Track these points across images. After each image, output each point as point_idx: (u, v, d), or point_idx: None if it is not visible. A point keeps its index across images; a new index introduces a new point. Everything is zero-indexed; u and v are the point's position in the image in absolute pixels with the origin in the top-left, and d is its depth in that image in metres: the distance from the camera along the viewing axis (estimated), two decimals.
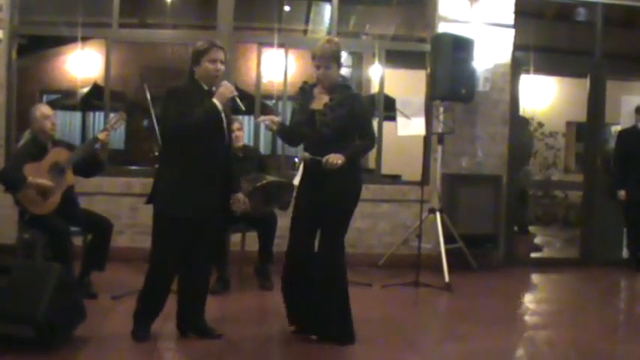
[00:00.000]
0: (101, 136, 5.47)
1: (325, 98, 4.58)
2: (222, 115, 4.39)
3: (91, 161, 5.57)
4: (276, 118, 4.67)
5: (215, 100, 4.30)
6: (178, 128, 4.30)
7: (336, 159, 4.39)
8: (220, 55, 4.39)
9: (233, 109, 4.64)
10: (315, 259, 4.57)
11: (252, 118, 8.41)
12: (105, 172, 6.14)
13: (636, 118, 7.91)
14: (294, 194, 4.83)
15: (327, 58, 4.52)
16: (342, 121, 4.50)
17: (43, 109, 5.60)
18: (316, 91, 4.64)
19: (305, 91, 4.68)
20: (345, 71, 12.62)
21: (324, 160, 4.40)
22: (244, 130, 6.48)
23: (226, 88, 4.35)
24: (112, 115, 5.67)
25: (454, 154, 7.59)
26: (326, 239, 4.60)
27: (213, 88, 4.39)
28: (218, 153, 4.40)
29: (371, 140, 4.80)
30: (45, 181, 5.29)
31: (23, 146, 5.64)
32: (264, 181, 5.79)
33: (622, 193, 7.81)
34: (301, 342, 4.60)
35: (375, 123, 8.15)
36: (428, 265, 6.67)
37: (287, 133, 4.71)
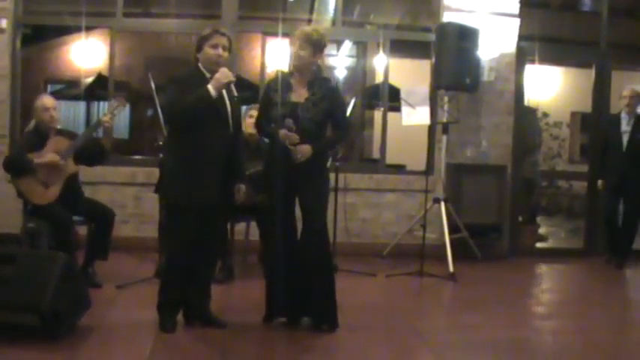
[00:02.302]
0: (105, 118, 5.45)
1: (304, 90, 4.54)
2: (226, 101, 4.38)
3: (95, 149, 5.54)
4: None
5: (209, 87, 4.24)
6: (171, 115, 4.36)
7: (306, 153, 4.40)
8: (222, 41, 4.38)
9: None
10: (303, 246, 4.59)
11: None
12: (109, 162, 6.12)
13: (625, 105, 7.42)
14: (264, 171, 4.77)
15: (300, 39, 4.50)
16: (325, 115, 4.54)
17: (45, 100, 5.56)
18: (293, 82, 4.58)
19: (283, 83, 4.58)
20: (349, 61, 12.67)
21: (295, 148, 4.38)
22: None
23: (222, 74, 4.28)
24: (112, 100, 5.63)
25: (459, 144, 7.58)
26: (312, 228, 4.58)
27: None
28: (219, 140, 4.35)
29: (345, 132, 4.84)
30: (52, 156, 5.31)
31: (25, 135, 5.67)
32: (248, 172, 5.67)
33: (599, 183, 7.62)
34: (306, 330, 4.61)
35: (379, 112, 8.14)
36: (432, 254, 6.67)
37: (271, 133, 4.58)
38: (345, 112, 4.91)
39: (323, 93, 4.53)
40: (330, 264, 4.80)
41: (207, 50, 4.36)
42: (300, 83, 4.57)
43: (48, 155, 5.33)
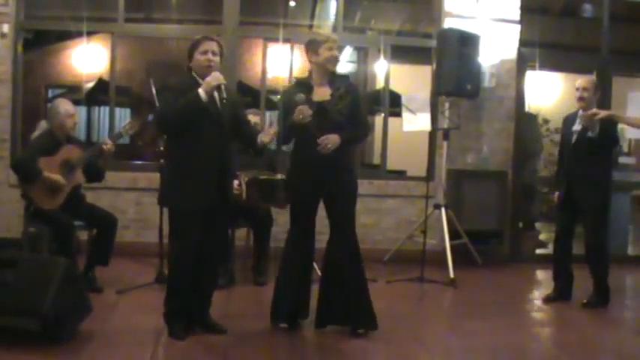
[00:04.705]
0: (106, 147, 5.49)
1: (326, 90, 4.59)
2: (218, 106, 4.36)
3: (93, 167, 5.61)
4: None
5: (200, 90, 4.24)
6: (162, 121, 4.39)
7: (335, 142, 4.42)
8: (212, 46, 4.39)
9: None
10: (334, 252, 4.63)
11: None
12: (110, 167, 6.17)
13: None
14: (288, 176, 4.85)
15: (336, 43, 4.64)
16: (351, 108, 4.59)
17: (68, 107, 5.59)
18: (314, 85, 4.62)
19: (304, 85, 4.64)
20: (350, 67, 12.68)
21: (322, 138, 4.40)
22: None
23: (212, 77, 4.28)
24: (127, 120, 5.70)
25: (459, 150, 7.58)
26: (343, 232, 4.63)
27: None
28: (212, 144, 4.33)
29: (365, 128, 4.87)
30: (59, 178, 5.32)
31: (38, 139, 5.67)
32: (262, 177, 5.73)
33: (555, 196, 6.03)
34: (306, 336, 4.62)
35: (380, 118, 8.15)
36: (433, 260, 6.67)
37: (298, 129, 4.53)
38: (364, 108, 4.97)
39: (346, 88, 4.63)
40: (363, 268, 4.78)
41: (198, 57, 4.38)
42: (320, 85, 4.62)
43: (56, 176, 5.33)
